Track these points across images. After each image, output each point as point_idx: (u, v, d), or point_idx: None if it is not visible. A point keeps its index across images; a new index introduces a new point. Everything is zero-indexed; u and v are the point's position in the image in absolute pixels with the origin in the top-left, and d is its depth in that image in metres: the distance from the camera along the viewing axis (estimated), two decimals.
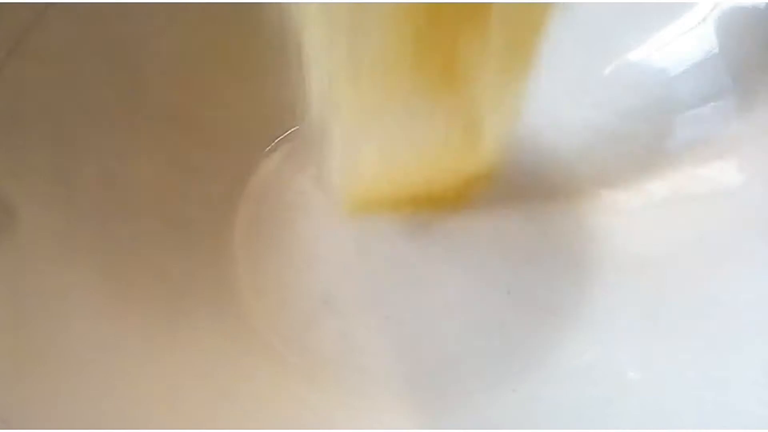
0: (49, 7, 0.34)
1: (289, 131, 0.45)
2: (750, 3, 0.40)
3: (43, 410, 0.29)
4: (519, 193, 0.43)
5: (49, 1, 0.34)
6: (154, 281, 0.37)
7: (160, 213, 0.39)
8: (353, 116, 0.30)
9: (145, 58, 0.39)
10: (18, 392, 0.29)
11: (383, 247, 0.41)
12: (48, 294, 0.33)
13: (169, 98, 0.41)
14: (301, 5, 0.24)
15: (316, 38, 0.25)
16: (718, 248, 0.39)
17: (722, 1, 0.41)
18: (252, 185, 0.44)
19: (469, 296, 0.40)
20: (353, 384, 0.38)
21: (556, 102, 0.46)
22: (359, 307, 0.40)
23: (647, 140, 0.44)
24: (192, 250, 0.39)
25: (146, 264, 0.37)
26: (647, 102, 0.45)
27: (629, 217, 0.43)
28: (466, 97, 0.29)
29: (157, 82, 0.40)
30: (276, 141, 0.45)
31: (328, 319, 0.39)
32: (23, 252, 0.33)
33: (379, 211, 0.40)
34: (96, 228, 0.36)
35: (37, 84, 0.35)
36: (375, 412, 0.36)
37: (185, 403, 0.34)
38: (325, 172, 0.41)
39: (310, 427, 0.35)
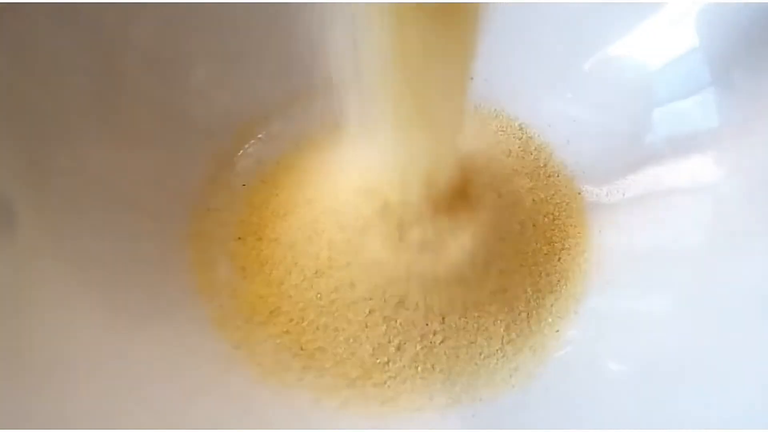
0: None
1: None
2: None
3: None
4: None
5: None
6: (126, 269, 0.36)
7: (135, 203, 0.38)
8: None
9: (122, 46, 0.38)
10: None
11: None
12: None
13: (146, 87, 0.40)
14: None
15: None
16: (698, 242, 0.39)
17: None
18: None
19: None
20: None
21: (537, 97, 0.46)
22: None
23: (627, 135, 0.44)
24: (167, 240, 0.38)
25: (121, 253, 0.36)
26: (627, 96, 0.45)
27: (610, 211, 0.43)
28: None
29: (134, 70, 0.39)
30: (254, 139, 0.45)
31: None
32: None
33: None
34: (71, 217, 0.35)
35: (10, 74, 0.34)
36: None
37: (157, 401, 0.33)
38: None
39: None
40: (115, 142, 0.39)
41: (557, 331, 0.38)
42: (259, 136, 0.45)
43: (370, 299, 0.37)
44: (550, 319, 0.39)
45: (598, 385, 0.35)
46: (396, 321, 0.37)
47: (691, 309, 0.37)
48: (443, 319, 0.37)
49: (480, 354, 0.37)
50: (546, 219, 0.42)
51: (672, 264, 0.39)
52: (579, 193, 0.44)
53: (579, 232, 0.43)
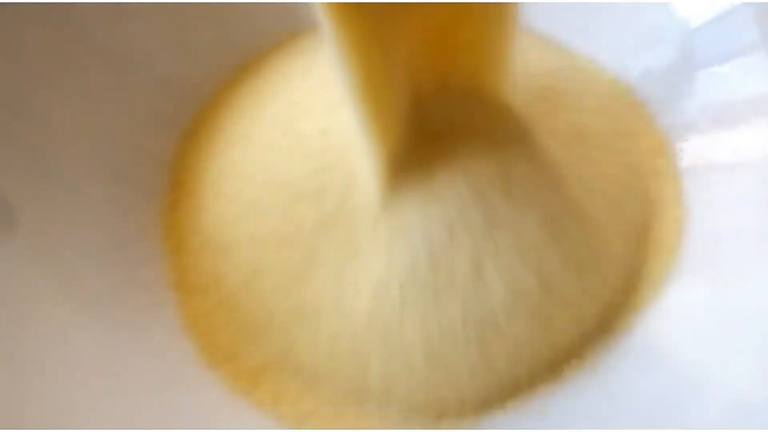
0: None
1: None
2: None
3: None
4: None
5: None
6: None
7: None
8: None
9: None
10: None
11: None
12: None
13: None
14: None
15: None
16: (742, 225, 0.35)
17: None
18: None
19: None
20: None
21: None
22: None
23: (663, 102, 0.40)
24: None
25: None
26: (663, 58, 0.40)
27: None
28: None
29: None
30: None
31: None
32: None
33: None
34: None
35: None
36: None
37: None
38: None
39: None
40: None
41: None
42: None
43: None
44: None
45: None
46: None
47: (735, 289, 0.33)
48: None
49: None
50: None
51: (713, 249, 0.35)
52: None
53: None
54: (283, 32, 0.44)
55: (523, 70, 0.34)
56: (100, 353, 0.32)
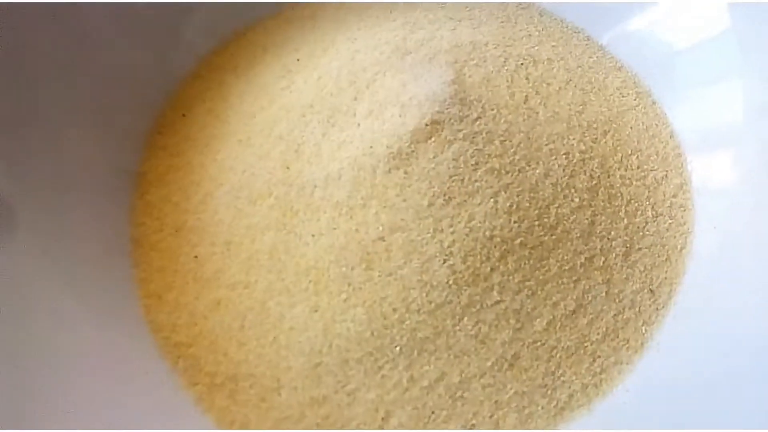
0: None
1: None
2: None
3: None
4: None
5: None
6: None
7: None
8: None
9: None
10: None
11: None
12: None
13: None
14: None
15: None
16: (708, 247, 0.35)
17: None
18: None
19: None
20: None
21: None
22: None
23: None
24: None
25: None
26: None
27: None
28: None
29: None
30: None
31: None
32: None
33: None
34: None
35: None
36: None
37: None
38: None
39: None
40: None
41: None
42: None
43: None
44: None
45: None
46: None
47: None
48: None
49: None
50: None
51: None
52: None
53: None
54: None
55: None
56: (88, 352, 0.32)
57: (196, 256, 0.36)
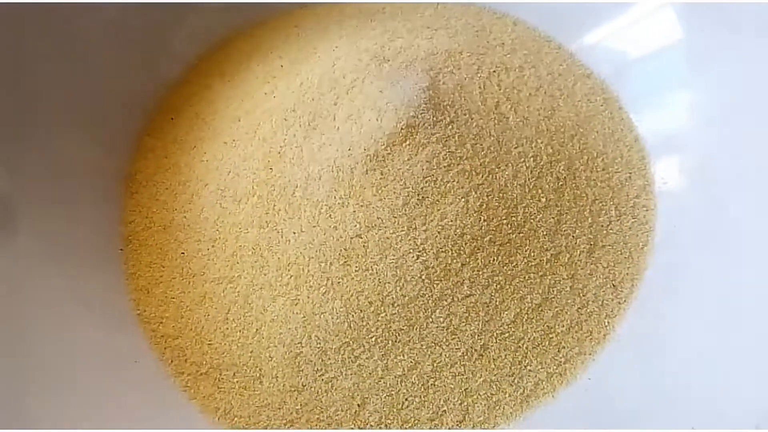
0: None
1: None
2: None
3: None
4: None
5: None
6: None
7: None
8: None
9: None
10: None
11: None
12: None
13: None
14: None
15: None
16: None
17: None
18: None
19: None
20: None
21: None
22: None
23: None
24: None
25: None
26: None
27: None
28: None
29: None
30: None
31: None
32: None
33: None
34: None
35: None
36: None
37: None
38: None
39: None
40: None
41: None
42: None
43: None
44: None
45: None
46: None
47: None
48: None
49: None
50: None
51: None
52: None
53: None
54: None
55: None
56: (79, 343, 0.34)
57: (183, 253, 0.37)
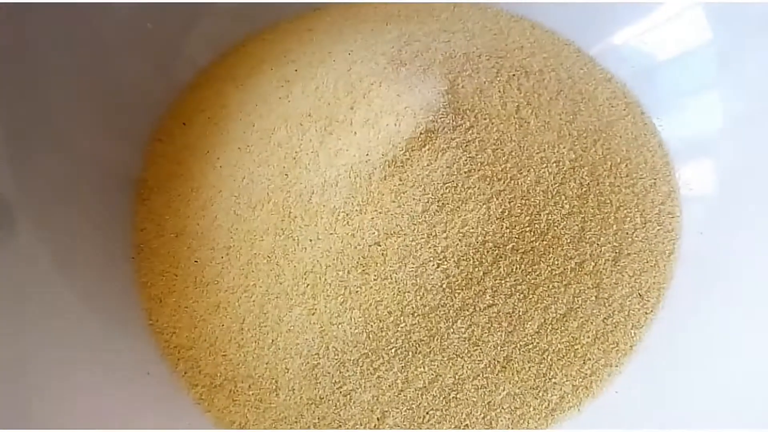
0: None
1: None
2: None
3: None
4: None
5: None
6: None
7: None
8: None
9: None
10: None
11: None
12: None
13: None
14: None
15: None
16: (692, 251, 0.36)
17: None
18: None
19: None
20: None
21: None
22: None
23: None
24: None
25: None
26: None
27: None
28: None
29: None
30: None
31: None
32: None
33: None
34: None
35: None
36: None
37: None
38: None
39: None
40: None
41: None
42: None
43: None
44: None
45: None
46: None
47: None
48: None
49: None
50: None
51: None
52: None
53: None
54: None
55: None
56: (90, 353, 0.33)
57: (196, 261, 0.36)
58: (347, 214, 0.34)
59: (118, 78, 0.40)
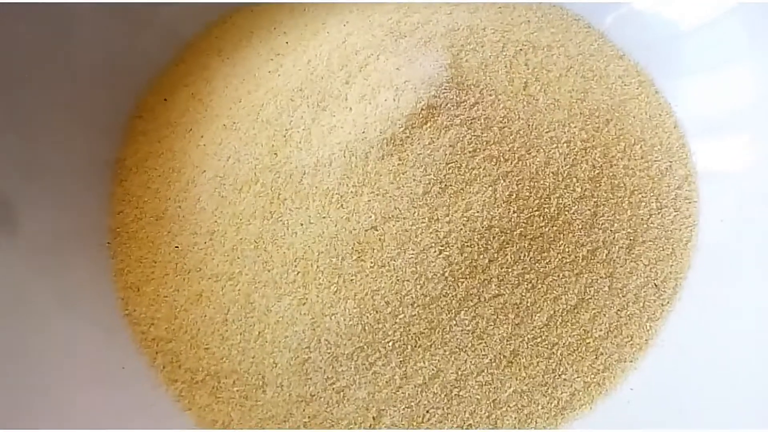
0: None
1: None
2: None
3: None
4: None
5: None
6: None
7: None
8: None
9: None
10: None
11: None
12: None
13: None
14: None
15: None
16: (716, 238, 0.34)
17: None
18: None
19: None
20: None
21: None
22: None
23: None
24: None
25: None
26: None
27: None
28: None
29: None
30: None
31: None
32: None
33: None
34: None
35: None
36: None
37: None
38: None
39: None
40: None
41: None
42: None
43: None
44: None
45: None
46: None
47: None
48: None
49: None
50: None
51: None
52: None
53: None
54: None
55: None
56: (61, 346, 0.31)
57: (177, 246, 0.34)
58: (341, 197, 0.32)
59: (93, 51, 0.37)
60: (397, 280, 0.31)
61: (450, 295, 0.31)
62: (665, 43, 0.38)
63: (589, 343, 0.32)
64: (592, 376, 0.31)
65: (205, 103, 0.38)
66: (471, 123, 0.32)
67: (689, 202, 0.35)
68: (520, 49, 0.37)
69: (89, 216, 0.35)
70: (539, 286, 0.31)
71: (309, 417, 0.30)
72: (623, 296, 0.32)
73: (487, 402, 0.31)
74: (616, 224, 0.33)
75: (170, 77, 0.40)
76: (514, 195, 0.32)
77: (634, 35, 0.39)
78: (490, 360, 0.31)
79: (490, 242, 0.31)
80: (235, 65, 0.39)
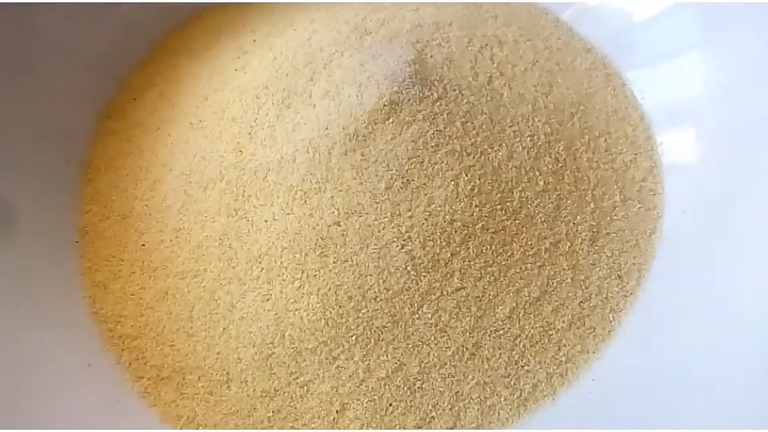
0: None
1: None
2: None
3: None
4: None
5: None
6: None
7: None
8: None
9: None
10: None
11: None
12: None
13: None
14: None
15: None
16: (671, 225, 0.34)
17: None
18: None
19: None
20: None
21: None
22: None
23: None
24: None
25: None
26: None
27: None
28: None
29: None
30: None
31: None
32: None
33: None
34: None
35: None
36: None
37: None
38: None
39: None
40: None
41: None
42: None
43: None
44: None
45: None
46: None
47: None
48: None
49: None
50: None
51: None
52: None
53: None
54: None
55: None
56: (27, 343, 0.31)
57: (143, 244, 0.34)
58: (305, 193, 0.32)
59: (61, 50, 0.37)
60: (360, 274, 0.31)
61: (412, 289, 0.31)
62: (624, 30, 0.38)
63: (551, 334, 0.32)
64: (555, 367, 0.31)
65: (173, 102, 0.38)
66: (434, 118, 0.32)
67: (653, 194, 0.35)
68: (486, 44, 0.37)
69: (57, 215, 0.35)
70: (501, 279, 0.32)
71: (273, 411, 0.31)
72: (586, 288, 0.33)
73: (450, 394, 0.31)
74: (579, 217, 0.33)
75: (140, 77, 0.40)
76: (477, 189, 0.32)
77: (596, 23, 0.40)
78: (453, 353, 0.31)
79: (452, 236, 0.31)
80: (204, 64, 0.39)
